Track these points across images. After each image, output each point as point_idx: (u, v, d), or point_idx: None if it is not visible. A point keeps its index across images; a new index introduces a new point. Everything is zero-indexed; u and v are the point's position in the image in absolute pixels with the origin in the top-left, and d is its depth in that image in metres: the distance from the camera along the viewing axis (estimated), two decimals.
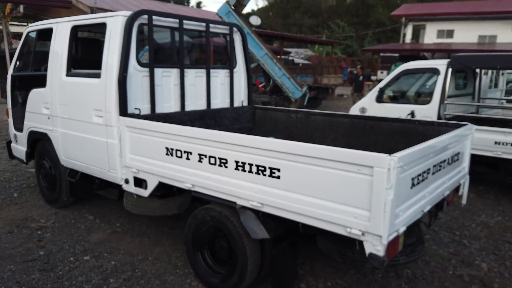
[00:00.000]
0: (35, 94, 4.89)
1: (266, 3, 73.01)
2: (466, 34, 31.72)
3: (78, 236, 4.27)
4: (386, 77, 6.92)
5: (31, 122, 5.00)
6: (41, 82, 4.72)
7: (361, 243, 2.43)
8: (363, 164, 2.31)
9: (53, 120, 4.61)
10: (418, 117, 6.14)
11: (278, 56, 20.09)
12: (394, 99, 6.97)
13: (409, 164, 2.44)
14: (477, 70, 7.08)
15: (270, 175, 2.77)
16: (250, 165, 2.88)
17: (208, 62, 4.70)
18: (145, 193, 3.75)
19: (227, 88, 5.02)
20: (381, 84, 6.81)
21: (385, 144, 4.23)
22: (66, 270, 3.59)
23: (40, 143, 5.04)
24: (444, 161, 3.11)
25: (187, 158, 3.29)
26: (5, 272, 3.52)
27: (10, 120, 5.52)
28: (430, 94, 6.29)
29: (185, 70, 4.42)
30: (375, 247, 2.34)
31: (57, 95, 4.51)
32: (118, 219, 4.76)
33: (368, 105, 6.86)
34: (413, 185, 2.59)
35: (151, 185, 3.67)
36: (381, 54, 35.83)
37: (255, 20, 14.94)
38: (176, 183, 3.43)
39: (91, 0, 18.09)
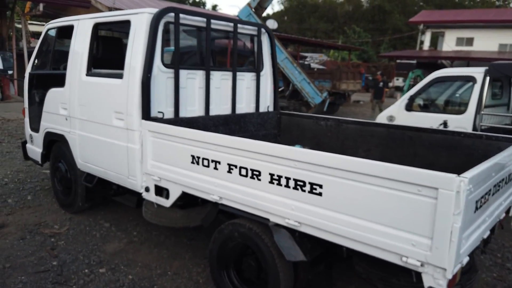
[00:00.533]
0: (53, 93, 4.68)
1: (282, 7, 72.95)
2: (486, 42, 31.05)
3: (93, 245, 4.03)
4: (417, 85, 6.57)
5: (48, 123, 4.79)
6: (59, 81, 4.52)
7: (418, 274, 2.13)
8: (425, 185, 2.01)
9: (71, 121, 4.39)
10: (451, 127, 5.79)
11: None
12: (425, 108, 6.61)
13: (476, 185, 2.13)
14: None
15: (311, 191, 2.48)
16: (287, 179, 2.59)
17: (234, 65, 4.44)
18: (166, 203, 3.50)
19: (253, 92, 4.75)
20: (411, 92, 6.46)
21: (425, 157, 3.90)
22: (80, 284, 3.35)
23: (56, 145, 4.83)
24: (502, 180, 2.78)
25: (215, 168, 3.02)
26: (15, 284, 3.29)
27: (26, 119, 5.34)
28: (465, 104, 5.93)
29: (211, 72, 4.17)
30: (437, 281, 2.03)
31: (76, 95, 4.29)
32: (135, 227, 4.51)
33: (396, 113, 6.52)
34: (476, 208, 2.27)
35: (174, 194, 3.41)
36: (398, 61, 35.31)
37: (272, 24, 14.68)
38: (202, 194, 3.17)
39: (109, 0, 18.11)
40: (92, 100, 4.11)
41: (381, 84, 15.27)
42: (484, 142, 3.57)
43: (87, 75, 4.18)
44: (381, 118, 6.79)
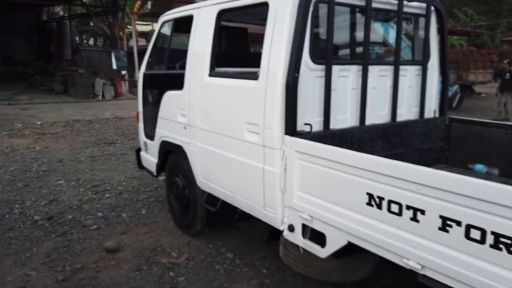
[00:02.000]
0: (169, 97, 4.05)
1: None
2: None
3: (218, 286, 3.27)
4: None
5: (164, 131, 4.19)
6: (177, 83, 3.84)
7: None
8: None
9: (190, 131, 3.69)
10: None
11: None
12: None
13: None
14: None
15: None
16: None
17: (398, 56, 3.29)
18: (320, 252, 2.54)
19: (416, 91, 3.57)
20: None
21: None
22: None
23: (173, 156, 4.21)
24: None
25: (414, 219, 1.96)
26: None
27: (140, 125, 4.84)
28: None
29: (369, 67, 3.10)
30: None
31: (196, 100, 3.56)
32: (263, 261, 3.68)
33: None
34: None
35: (334, 244, 2.43)
36: None
37: None
38: (385, 253, 2.13)
39: None
40: (217, 106, 3.33)
41: (508, 75, 12.45)
42: None
43: (210, 75, 3.41)
44: None
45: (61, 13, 26.55)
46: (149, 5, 17.30)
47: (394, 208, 2.04)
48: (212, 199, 3.60)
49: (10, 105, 12.94)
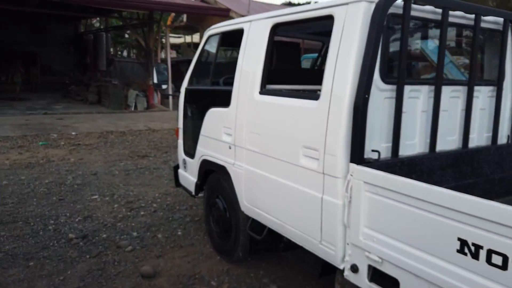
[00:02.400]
0: (213, 114, 3.83)
1: None
2: None
3: None
4: None
5: (206, 149, 3.96)
6: (222, 99, 3.62)
7: None
8: None
9: (236, 151, 3.44)
10: None
11: None
12: None
13: None
14: None
15: None
16: None
17: (473, 76, 2.95)
18: None
19: (488, 115, 3.20)
20: None
21: None
22: None
23: (213, 176, 3.97)
24: None
25: None
26: None
27: (180, 141, 4.64)
28: None
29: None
30: None
31: (244, 119, 3.32)
32: None
33: None
34: None
35: None
36: None
37: None
38: None
39: (243, 9, 18.01)
40: (268, 127, 3.07)
41: None
42: None
43: (261, 93, 3.17)
44: None
45: (97, 25, 27.32)
46: (184, 18, 17.48)
47: (497, 260, 1.70)
48: (257, 225, 3.32)
49: (47, 115, 13.18)
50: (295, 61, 4.02)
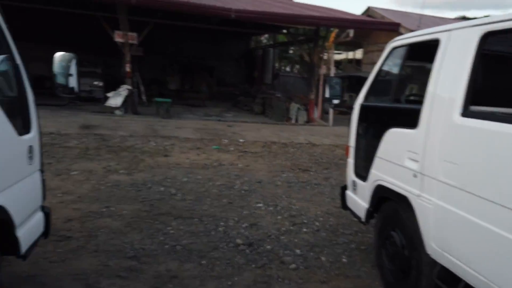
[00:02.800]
0: (395, 135, 3.45)
1: None
2: None
3: None
4: None
5: (382, 173, 3.60)
6: (407, 119, 3.22)
7: None
8: None
9: (423, 181, 2.99)
10: None
11: None
12: None
13: None
14: None
15: None
16: None
17: None
18: None
19: None
20: None
21: None
22: None
23: (389, 204, 3.58)
24: None
25: None
26: None
27: (350, 161, 4.38)
28: None
29: None
30: None
31: (438, 144, 2.85)
32: None
33: None
34: None
35: None
36: None
37: None
38: None
39: (413, 23, 16.68)
40: (473, 157, 2.54)
41: None
42: None
43: (463, 115, 2.66)
44: None
45: (265, 41, 29.40)
46: (351, 33, 17.22)
47: None
48: (447, 274, 2.79)
49: (220, 121, 14.64)
50: (509, 78, 3.32)
